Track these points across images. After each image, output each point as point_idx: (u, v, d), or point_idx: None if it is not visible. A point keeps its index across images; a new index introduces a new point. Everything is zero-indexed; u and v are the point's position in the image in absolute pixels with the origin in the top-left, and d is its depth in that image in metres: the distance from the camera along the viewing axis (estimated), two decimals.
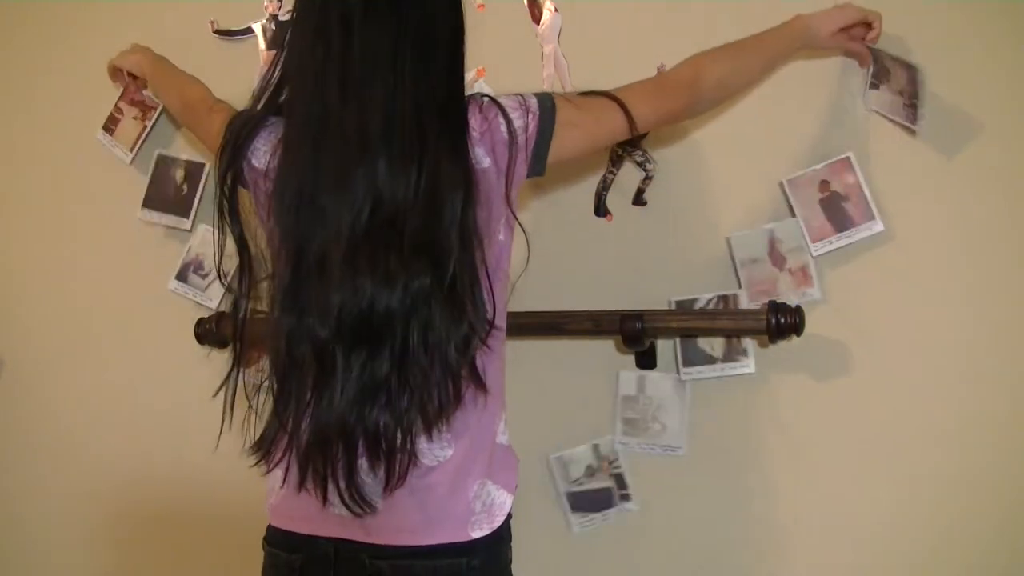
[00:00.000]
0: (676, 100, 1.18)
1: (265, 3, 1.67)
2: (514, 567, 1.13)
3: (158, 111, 1.72)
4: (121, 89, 1.72)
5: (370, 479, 1.00)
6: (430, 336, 0.96)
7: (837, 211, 1.33)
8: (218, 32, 1.72)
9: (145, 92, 1.70)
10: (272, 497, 1.13)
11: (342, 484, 0.99)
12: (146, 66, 1.58)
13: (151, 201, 1.77)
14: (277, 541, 1.12)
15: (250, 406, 1.05)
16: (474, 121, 1.04)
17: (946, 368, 1.30)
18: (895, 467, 1.33)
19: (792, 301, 1.32)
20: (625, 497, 1.46)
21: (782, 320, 1.28)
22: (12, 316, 1.94)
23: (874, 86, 1.30)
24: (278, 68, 1.07)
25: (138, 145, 1.75)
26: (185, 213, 1.75)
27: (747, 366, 1.38)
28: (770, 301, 1.31)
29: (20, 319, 1.93)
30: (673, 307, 1.41)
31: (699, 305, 1.40)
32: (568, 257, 1.49)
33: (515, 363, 1.33)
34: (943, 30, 1.29)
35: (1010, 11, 1.27)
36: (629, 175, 1.47)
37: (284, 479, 1.08)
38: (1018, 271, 1.27)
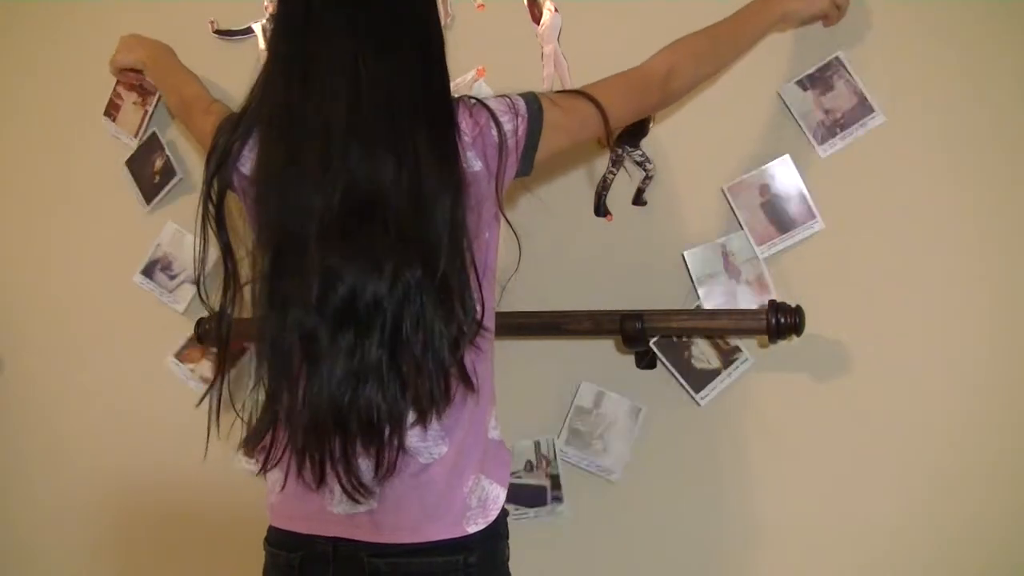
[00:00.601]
0: (650, 97, 1.21)
1: (265, 3, 1.67)
2: None
3: (157, 96, 1.73)
4: (131, 88, 1.73)
5: (365, 465, 1.01)
6: (422, 328, 0.97)
7: (779, 213, 1.35)
8: (218, 32, 1.72)
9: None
10: (271, 497, 1.13)
11: (340, 469, 1.00)
12: (147, 61, 1.58)
13: (133, 164, 1.79)
14: (277, 541, 1.13)
15: (237, 415, 1.05)
16: (465, 125, 1.05)
17: (939, 366, 1.30)
18: (895, 467, 1.32)
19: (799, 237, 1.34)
20: (557, 498, 1.47)
21: (782, 320, 1.28)
22: (12, 316, 1.94)
23: (801, 84, 1.33)
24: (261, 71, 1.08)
25: (141, 130, 1.76)
26: (148, 199, 1.77)
27: (747, 359, 1.38)
28: (770, 301, 1.31)
29: (20, 319, 1.93)
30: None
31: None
32: (568, 257, 1.49)
33: (517, 364, 1.34)
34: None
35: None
36: (629, 175, 1.47)
37: (284, 479, 1.09)
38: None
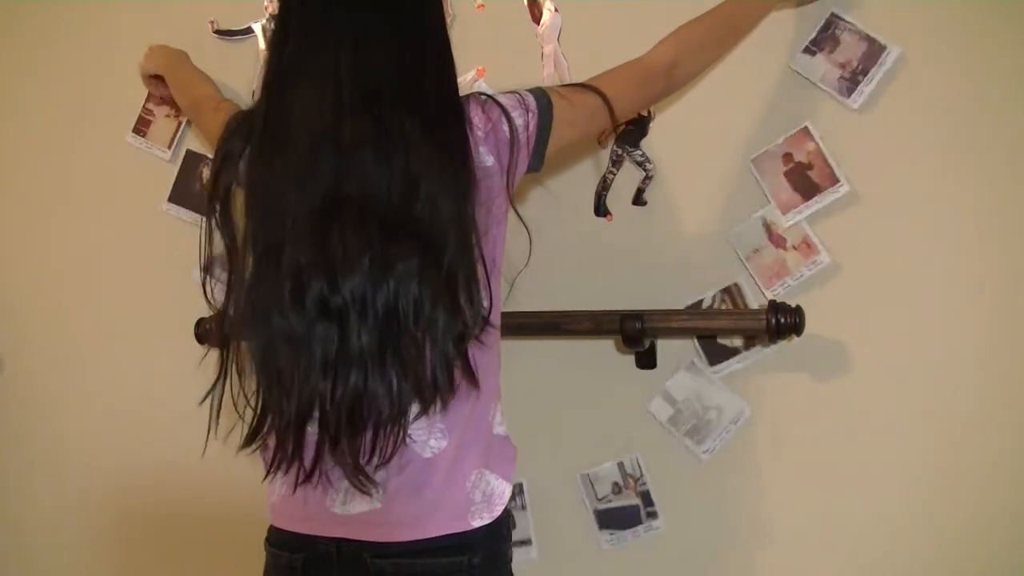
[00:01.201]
0: (654, 87, 1.22)
1: (265, 3, 1.67)
2: None
3: None
4: (159, 94, 1.73)
5: (362, 453, 1.00)
6: (423, 319, 0.96)
7: (802, 180, 1.35)
8: (218, 32, 1.72)
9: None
10: (272, 497, 1.13)
11: (333, 459, 1.00)
12: (163, 65, 1.60)
13: (177, 196, 1.78)
14: (279, 541, 1.13)
15: (239, 416, 1.05)
16: (477, 119, 1.05)
17: (948, 355, 1.30)
18: (895, 467, 1.33)
19: (805, 274, 1.35)
20: (652, 515, 1.46)
21: (782, 320, 1.28)
22: (12, 316, 1.94)
23: (808, 51, 1.34)
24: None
25: (174, 142, 1.77)
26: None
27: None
28: (770, 301, 1.31)
29: (20, 319, 1.93)
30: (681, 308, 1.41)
31: (705, 304, 1.41)
32: (568, 257, 1.49)
33: (517, 364, 1.34)
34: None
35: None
36: (629, 175, 1.47)
37: (284, 479, 1.08)
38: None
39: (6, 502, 1.96)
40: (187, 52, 1.63)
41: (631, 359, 1.45)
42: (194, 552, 1.80)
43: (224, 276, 1.06)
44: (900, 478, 1.32)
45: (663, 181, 1.45)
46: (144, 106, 1.78)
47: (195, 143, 1.76)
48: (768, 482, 1.39)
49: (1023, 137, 1.25)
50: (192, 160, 1.76)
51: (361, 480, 1.01)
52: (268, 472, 1.07)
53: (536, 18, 1.51)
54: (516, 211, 1.08)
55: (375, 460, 1.00)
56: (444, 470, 1.05)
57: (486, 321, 1.02)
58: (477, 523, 1.06)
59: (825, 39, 1.34)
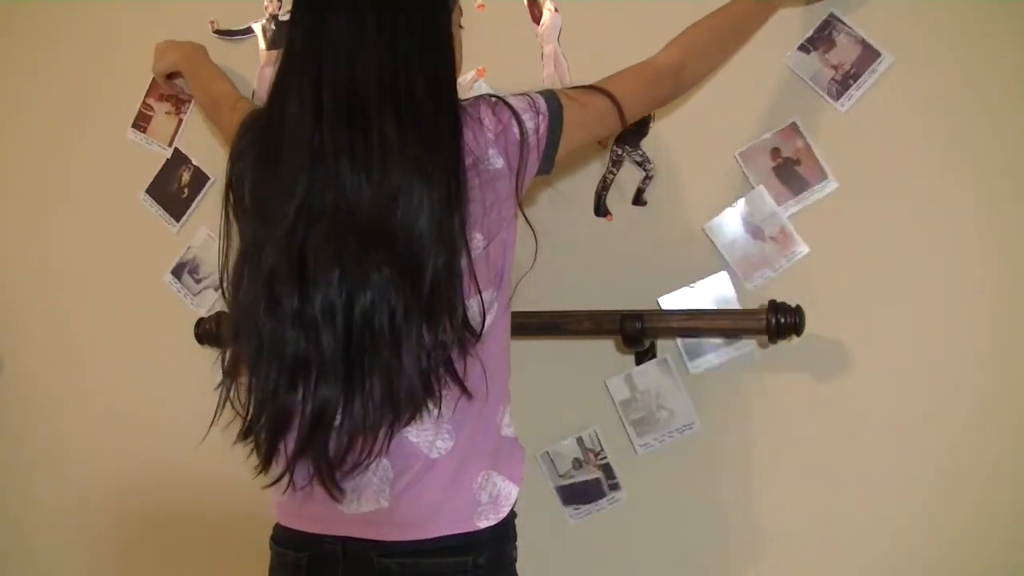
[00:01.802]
0: (662, 89, 1.22)
1: (265, 3, 1.67)
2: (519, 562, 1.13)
3: (191, 104, 1.74)
4: (173, 92, 1.73)
5: (336, 461, 1.01)
6: (397, 328, 0.96)
7: (791, 176, 1.36)
8: (218, 32, 1.72)
9: (178, 83, 1.70)
10: (278, 496, 1.13)
11: (304, 464, 1.01)
12: (181, 62, 1.60)
13: (154, 191, 1.79)
14: (284, 540, 1.13)
15: (238, 415, 1.05)
16: (488, 121, 1.05)
17: (945, 354, 1.30)
18: (895, 468, 1.33)
19: (784, 265, 1.36)
20: (614, 486, 1.47)
21: (782, 320, 1.28)
22: (12, 316, 1.94)
23: (803, 49, 1.35)
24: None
25: (175, 139, 1.76)
26: (177, 216, 1.77)
27: (749, 343, 1.39)
28: (770, 301, 1.31)
29: (20, 319, 1.93)
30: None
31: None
32: (568, 257, 1.49)
33: (517, 364, 1.33)
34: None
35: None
36: (629, 175, 1.47)
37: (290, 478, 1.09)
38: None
39: (6, 502, 1.96)
40: (204, 46, 1.63)
41: (631, 359, 1.45)
42: (194, 552, 1.80)
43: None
44: (900, 478, 1.32)
45: (663, 181, 1.45)
46: (144, 101, 1.78)
47: (196, 144, 1.76)
48: (767, 482, 1.39)
49: (1022, 137, 1.25)
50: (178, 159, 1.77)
51: (329, 487, 1.02)
52: (259, 472, 1.07)
53: (536, 18, 1.51)
54: (524, 215, 1.08)
55: (347, 467, 1.00)
56: (451, 471, 1.05)
57: (472, 331, 1.01)
58: (483, 524, 1.06)
59: (821, 39, 1.34)
